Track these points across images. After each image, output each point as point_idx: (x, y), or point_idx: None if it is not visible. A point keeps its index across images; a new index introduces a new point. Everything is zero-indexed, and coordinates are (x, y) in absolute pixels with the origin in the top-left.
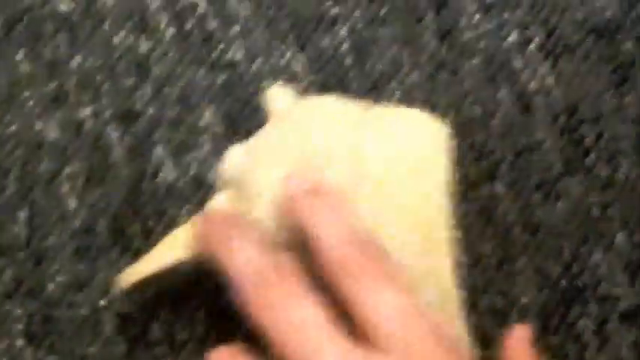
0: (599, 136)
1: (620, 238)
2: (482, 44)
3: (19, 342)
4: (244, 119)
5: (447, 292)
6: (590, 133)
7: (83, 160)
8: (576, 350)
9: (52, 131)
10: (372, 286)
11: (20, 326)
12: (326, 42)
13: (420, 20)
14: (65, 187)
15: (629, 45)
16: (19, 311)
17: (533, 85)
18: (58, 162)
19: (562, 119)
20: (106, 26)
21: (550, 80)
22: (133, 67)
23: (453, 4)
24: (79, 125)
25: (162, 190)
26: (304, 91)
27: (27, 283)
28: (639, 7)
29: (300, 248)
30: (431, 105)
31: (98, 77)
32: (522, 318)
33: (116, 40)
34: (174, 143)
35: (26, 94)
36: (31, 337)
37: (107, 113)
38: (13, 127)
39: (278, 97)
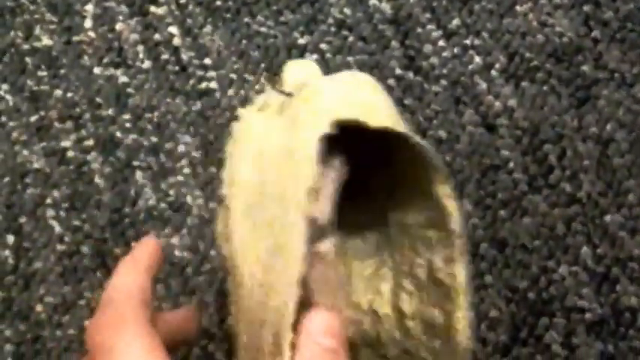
0: (562, 154)
1: (584, 251)
2: (446, 69)
3: None
4: (220, 145)
5: None
6: (552, 151)
7: (67, 187)
8: None
9: (36, 160)
10: None
11: (10, 347)
12: None
13: (386, 47)
14: (50, 213)
15: (587, 67)
16: (8, 332)
17: (496, 107)
18: (43, 189)
19: (525, 139)
20: (86, 59)
21: (513, 102)
22: (112, 97)
23: (418, 31)
24: (63, 154)
25: (143, 213)
26: None
27: (16, 306)
28: (597, 31)
29: None
30: None
31: (79, 108)
32: (492, 330)
33: (96, 72)
34: (153, 169)
35: (11, 124)
36: (20, 358)
37: (89, 142)
38: None
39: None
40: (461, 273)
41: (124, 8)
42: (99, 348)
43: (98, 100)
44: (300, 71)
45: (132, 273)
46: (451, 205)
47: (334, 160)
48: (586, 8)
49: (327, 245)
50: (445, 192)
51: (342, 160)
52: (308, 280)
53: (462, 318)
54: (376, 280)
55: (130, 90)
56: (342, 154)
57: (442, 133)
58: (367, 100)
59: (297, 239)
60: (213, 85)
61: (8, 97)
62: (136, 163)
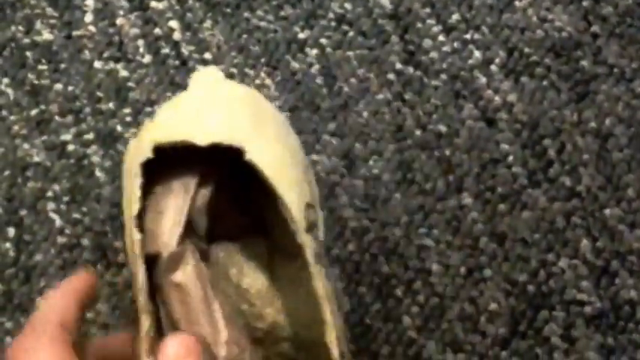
0: (561, 148)
1: (584, 245)
2: (446, 64)
3: None
4: None
5: None
6: (552, 146)
7: (67, 180)
8: (545, 354)
9: (36, 153)
10: None
11: (10, 339)
12: (296, 65)
13: (386, 42)
14: (51, 206)
15: (586, 62)
16: (9, 324)
17: (496, 102)
18: (44, 182)
19: (525, 133)
20: (86, 54)
21: (512, 97)
22: (112, 91)
23: (417, 26)
24: (63, 147)
25: None
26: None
27: (16, 298)
28: (596, 26)
29: None
30: (398, 122)
31: (79, 102)
32: (491, 324)
33: (96, 66)
34: None
35: (11, 118)
36: None
37: (89, 135)
38: (0, 150)
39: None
40: (318, 286)
41: (124, 3)
42: None
43: (98, 94)
44: (203, 79)
45: (58, 297)
46: (290, 217)
47: (183, 179)
48: (585, 3)
49: (180, 275)
50: (284, 204)
51: (201, 177)
52: (171, 311)
53: (330, 331)
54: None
55: (130, 84)
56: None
57: (442, 128)
58: (202, 118)
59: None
60: None
61: (9, 91)
62: None
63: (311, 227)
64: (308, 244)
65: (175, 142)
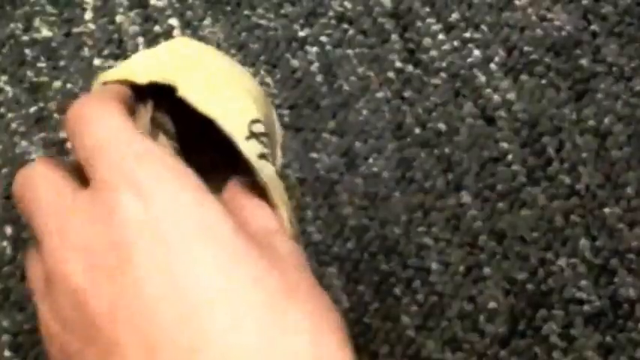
0: (560, 147)
1: (583, 243)
2: (445, 62)
3: (7, 353)
4: None
5: None
6: (551, 144)
7: None
8: (543, 352)
9: (35, 151)
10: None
11: (7, 337)
12: (296, 62)
13: (386, 41)
14: None
15: (586, 60)
16: (5, 323)
17: (495, 100)
18: None
19: (524, 132)
20: (86, 51)
21: (511, 95)
22: None
23: (417, 24)
24: (62, 145)
25: None
26: (276, 109)
27: (13, 296)
28: (595, 25)
29: None
30: (398, 120)
31: None
32: (491, 322)
33: (95, 63)
34: None
35: (10, 115)
36: (17, 348)
37: None
38: None
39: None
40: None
41: (123, 0)
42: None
43: None
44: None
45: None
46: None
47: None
48: (584, 2)
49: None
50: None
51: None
52: None
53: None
54: None
55: None
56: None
57: (441, 126)
58: (147, 59)
59: None
60: None
61: (8, 88)
62: None
63: (254, 136)
64: (249, 149)
65: (119, 79)
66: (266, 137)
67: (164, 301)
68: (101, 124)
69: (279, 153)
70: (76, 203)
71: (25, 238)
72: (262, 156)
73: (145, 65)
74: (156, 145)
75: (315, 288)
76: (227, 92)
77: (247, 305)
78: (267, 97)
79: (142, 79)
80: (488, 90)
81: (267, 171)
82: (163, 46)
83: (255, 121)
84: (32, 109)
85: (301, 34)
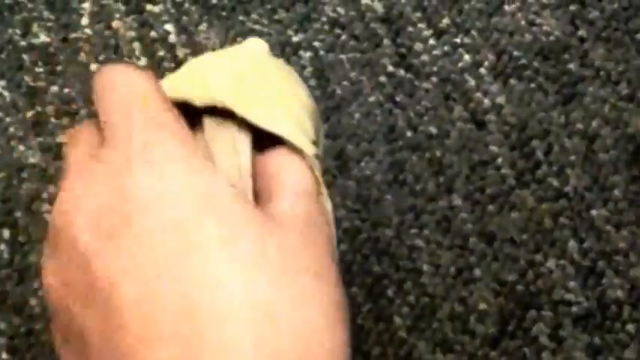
0: (549, 150)
1: (571, 245)
2: (436, 67)
3: (4, 355)
4: None
5: None
6: (540, 147)
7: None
8: (533, 353)
9: (32, 155)
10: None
11: (4, 340)
12: None
13: (378, 45)
14: (46, 208)
15: (574, 65)
16: (2, 325)
17: (485, 104)
18: (39, 184)
19: (513, 135)
20: (83, 56)
21: (501, 99)
22: None
23: (409, 30)
24: (58, 149)
25: None
26: None
27: (10, 299)
28: (583, 30)
29: None
30: (390, 124)
31: (75, 104)
32: (480, 323)
33: (92, 68)
34: None
35: (8, 120)
36: (14, 351)
37: None
38: None
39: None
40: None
41: (120, 6)
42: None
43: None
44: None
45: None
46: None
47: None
48: (572, 8)
49: None
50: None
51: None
52: None
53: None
54: None
55: None
56: None
57: (432, 129)
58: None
59: None
60: None
61: (5, 93)
62: None
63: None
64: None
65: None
66: (319, 161)
67: (167, 269)
68: (127, 88)
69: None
70: (92, 164)
71: (22, 241)
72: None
73: (202, 85)
74: (176, 118)
75: (321, 258)
76: (286, 106)
77: (247, 279)
78: (317, 110)
79: (199, 101)
80: (478, 94)
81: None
82: (233, 51)
83: (313, 143)
84: (29, 114)
85: (295, 39)
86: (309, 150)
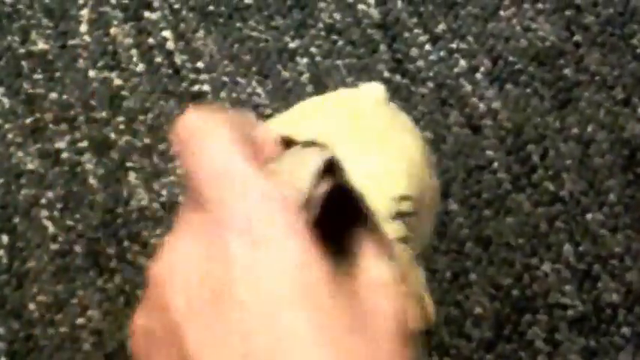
0: (544, 154)
1: (566, 249)
2: (432, 72)
3: None
4: None
5: None
6: (535, 152)
7: (61, 188)
8: (529, 357)
9: (31, 161)
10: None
11: (3, 345)
12: (287, 73)
13: (374, 51)
14: (44, 213)
15: (569, 70)
16: (1, 330)
17: (481, 109)
18: (38, 189)
19: (509, 140)
20: (81, 63)
21: (497, 104)
22: (106, 100)
23: (405, 35)
24: (57, 155)
25: (135, 214)
26: (266, 119)
27: (9, 304)
28: (578, 35)
29: None
30: None
31: (74, 110)
32: (477, 327)
33: (90, 75)
34: (146, 170)
35: (7, 126)
36: (13, 355)
37: (83, 143)
38: None
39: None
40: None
41: (118, 13)
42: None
43: (92, 102)
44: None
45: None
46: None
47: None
48: (568, 13)
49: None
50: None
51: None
52: None
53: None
54: None
55: (124, 92)
56: None
57: (428, 134)
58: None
59: None
60: (206, 87)
61: (4, 99)
62: (129, 164)
63: (400, 216)
64: (392, 229)
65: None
66: (413, 217)
67: (255, 346)
68: (215, 152)
69: (429, 228)
70: (190, 225)
71: (20, 247)
72: (403, 239)
73: (302, 123)
74: (272, 184)
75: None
76: (380, 156)
77: None
78: (428, 161)
79: (300, 136)
80: (474, 99)
81: (404, 258)
82: (328, 100)
83: (404, 198)
84: (28, 120)
85: (292, 45)
86: (385, 211)
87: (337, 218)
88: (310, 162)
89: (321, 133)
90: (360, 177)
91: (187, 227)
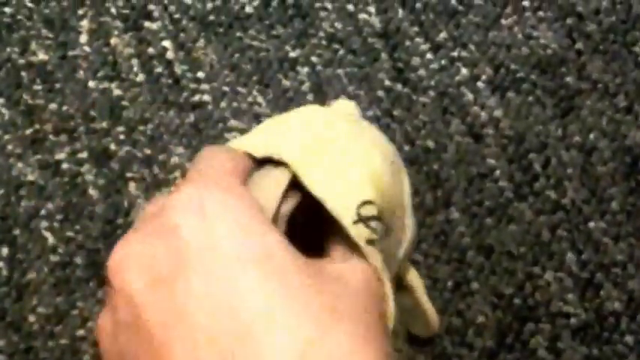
0: (546, 163)
1: (569, 258)
2: (434, 81)
3: None
4: None
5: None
6: (537, 160)
7: (61, 199)
8: None
9: (31, 172)
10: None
11: (2, 357)
12: (288, 82)
13: (375, 60)
14: (44, 224)
15: (571, 78)
16: (1, 343)
17: (482, 118)
18: (37, 201)
19: (511, 148)
20: (81, 73)
21: (498, 112)
22: (106, 110)
23: (406, 44)
24: (57, 166)
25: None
26: None
27: (9, 316)
28: (580, 43)
29: None
30: (388, 138)
31: (74, 121)
32: (479, 336)
33: (90, 85)
34: (146, 181)
35: (6, 137)
36: None
37: (83, 154)
38: None
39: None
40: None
41: (118, 23)
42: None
43: (92, 113)
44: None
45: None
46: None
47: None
48: (569, 21)
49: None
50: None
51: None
52: None
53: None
54: None
55: (124, 103)
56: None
57: (430, 143)
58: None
59: None
60: (206, 97)
61: (4, 110)
62: (129, 174)
63: (362, 220)
64: (357, 233)
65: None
66: (377, 221)
67: (215, 320)
68: (208, 161)
69: (407, 234)
70: (143, 222)
71: (20, 259)
72: (370, 242)
73: (264, 140)
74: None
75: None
76: (341, 167)
77: (291, 339)
78: (402, 171)
79: (259, 153)
80: (476, 108)
81: (373, 259)
82: (292, 116)
83: (366, 203)
84: (28, 132)
85: (292, 54)
86: (348, 216)
87: (314, 228)
88: (272, 183)
89: (285, 149)
90: (323, 186)
91: (141, 224)
